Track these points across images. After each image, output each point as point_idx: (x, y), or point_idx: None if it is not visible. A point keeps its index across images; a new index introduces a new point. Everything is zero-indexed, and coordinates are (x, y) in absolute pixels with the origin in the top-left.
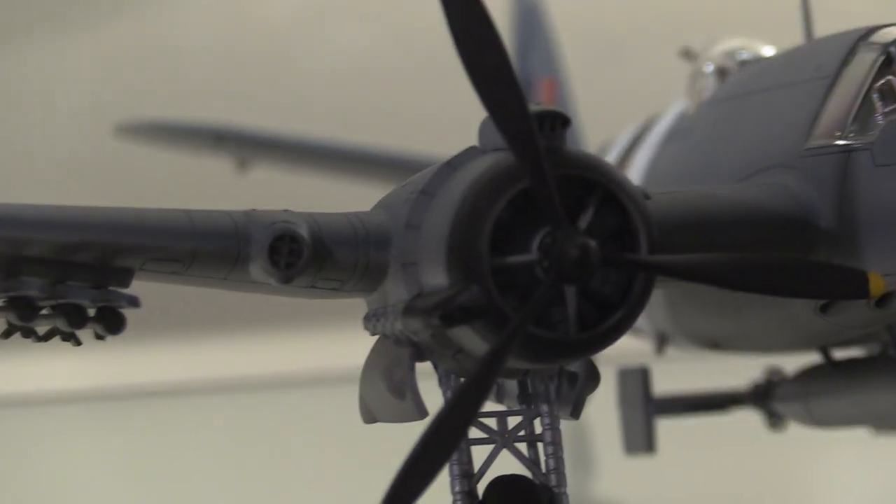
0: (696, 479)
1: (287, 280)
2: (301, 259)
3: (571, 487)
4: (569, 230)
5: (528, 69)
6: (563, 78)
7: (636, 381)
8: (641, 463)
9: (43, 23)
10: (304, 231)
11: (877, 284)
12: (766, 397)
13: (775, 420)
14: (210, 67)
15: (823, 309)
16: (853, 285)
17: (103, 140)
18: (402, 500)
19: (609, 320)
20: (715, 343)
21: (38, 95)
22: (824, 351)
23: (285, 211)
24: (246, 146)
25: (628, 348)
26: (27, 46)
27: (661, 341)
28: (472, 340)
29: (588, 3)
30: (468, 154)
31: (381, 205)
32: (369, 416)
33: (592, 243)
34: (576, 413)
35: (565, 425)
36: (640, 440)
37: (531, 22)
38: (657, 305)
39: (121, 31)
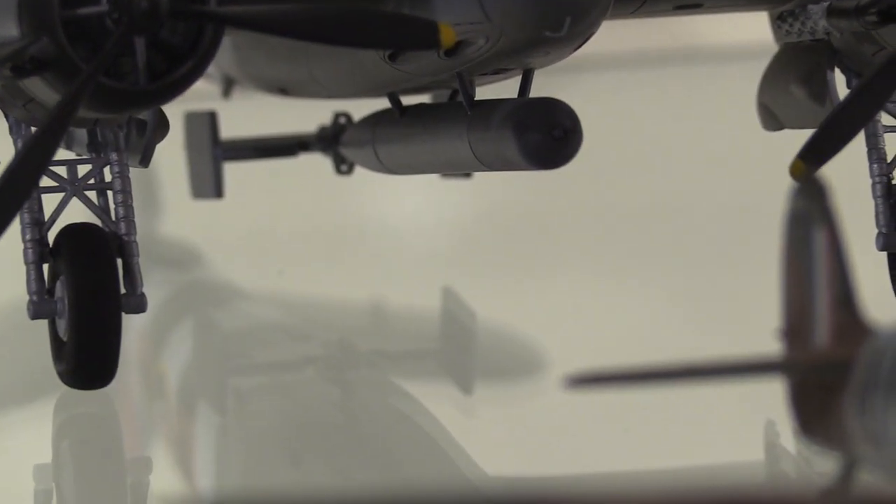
0: (262, 221)
1: None
2: None
3: (140, 232)
4: None
5: None
6: None
7: (203, 124)
8: (209, 206)
9: None
10: None
11: (447, 35)
12: (333, 142)
13: (343, 165)
14: None
15: (392, 57)
16: (423, 35)
17: None
18: None
19: (178, 70)
20: (283, 88)
21: None
22: (393, 97)
23: None
24: None
25: (195, 91)
26: None
27: (228, 85)
28: (44, 91)
29: None
30: None
31: None
32: None
33: None
34: (145, 161)
35: (135, 173)
36: (208, 184)
37: None
38: (224, 50)
39: None
